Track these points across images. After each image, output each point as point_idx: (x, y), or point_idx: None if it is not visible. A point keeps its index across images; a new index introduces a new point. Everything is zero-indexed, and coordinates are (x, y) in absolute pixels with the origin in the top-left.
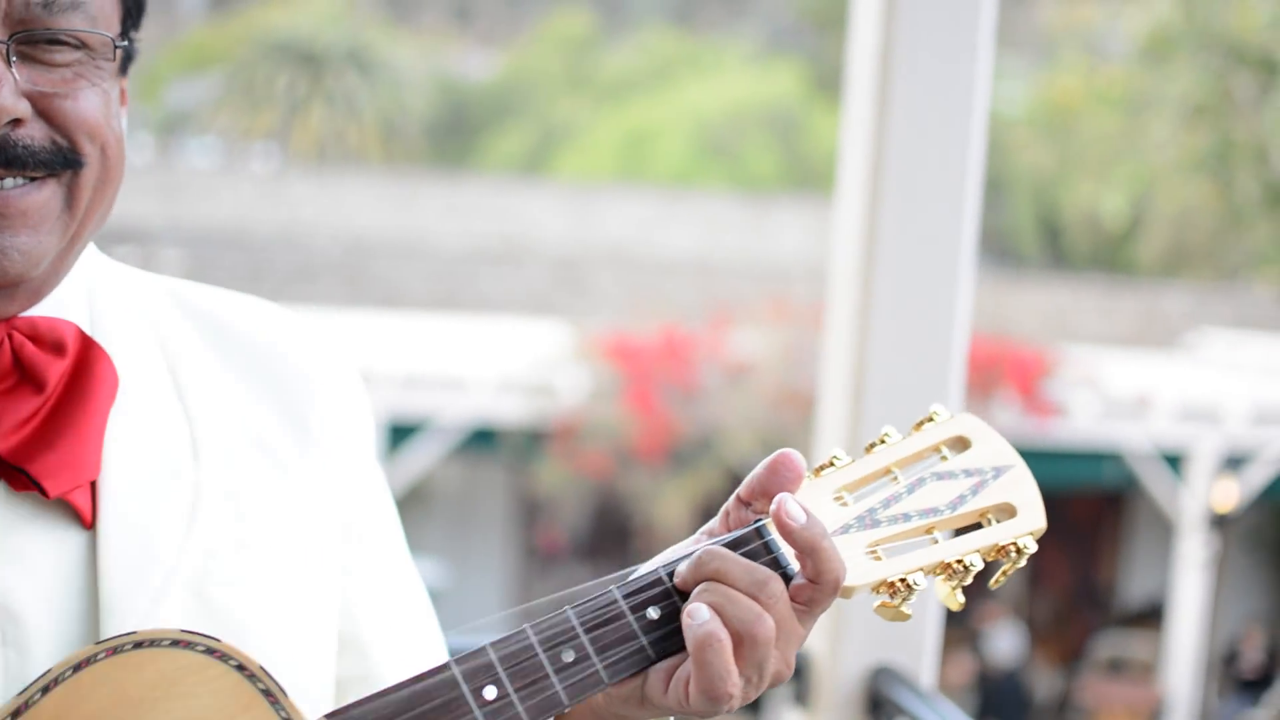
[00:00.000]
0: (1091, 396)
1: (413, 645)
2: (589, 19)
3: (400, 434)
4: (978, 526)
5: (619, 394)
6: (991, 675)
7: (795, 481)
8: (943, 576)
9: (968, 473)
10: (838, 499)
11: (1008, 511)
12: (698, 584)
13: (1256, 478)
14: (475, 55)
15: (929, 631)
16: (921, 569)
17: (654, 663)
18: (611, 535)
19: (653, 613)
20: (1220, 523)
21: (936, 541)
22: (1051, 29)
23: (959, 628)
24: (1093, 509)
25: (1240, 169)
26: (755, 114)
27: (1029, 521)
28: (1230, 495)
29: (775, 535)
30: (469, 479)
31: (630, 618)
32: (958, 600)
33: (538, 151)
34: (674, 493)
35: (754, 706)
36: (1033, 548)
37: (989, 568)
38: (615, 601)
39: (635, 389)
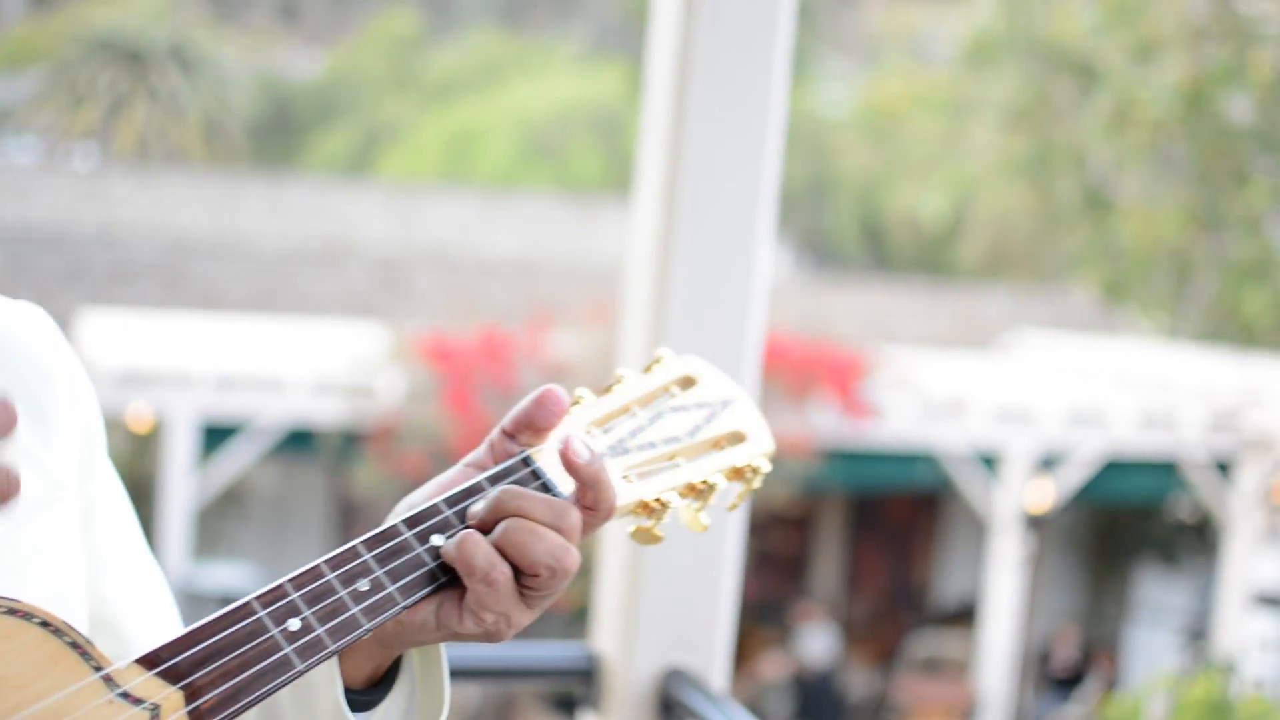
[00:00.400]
0: (908, 398)
1: (162, 623)
2: (416, 19)
3: (216, 436)
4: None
5: (437, 395)
6: (806, 675)
7: (559, 415)
8: (689, 499)
9: (699, 405)
10: (587, 433)
11: (739, 438)
12: (497, 522)
13: (1071, 478)
14: (301, 54)
15: (720, 634)
16: (673, 489)
17: (444, 585)
18: None
19: (437, 539)
20: (1035, 523)
21: (679, 466)
22: (877, 33)
23: (775, 627)
24: (909, 510)
25: (1059, 173)
26: (581, 115)
27: (760, 444)
28: (1045, 496)
29: (540, 464)
30: (286, 481)
31: (418, 547)
32: (701, 523)
33: (362, 152)
34: None
35: (569, 709)
36: (767, 468)
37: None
38: (401, 534)
39: (453, 390)
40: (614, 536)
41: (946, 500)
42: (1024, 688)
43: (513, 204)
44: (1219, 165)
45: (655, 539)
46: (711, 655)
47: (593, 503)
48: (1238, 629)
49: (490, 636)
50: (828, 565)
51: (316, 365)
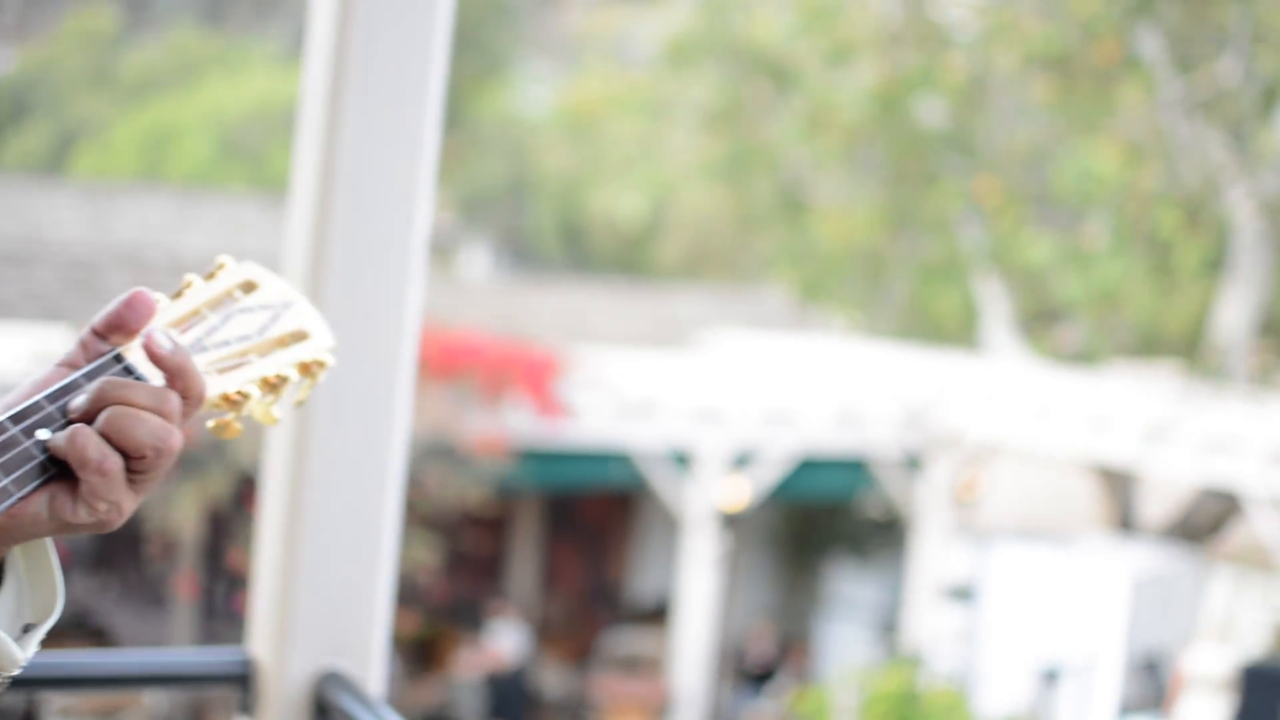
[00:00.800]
0: (603, 397)
1: None
2: (113, 16)
3: None
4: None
5: None
6: (499, 673)
7: (148, 317)
8: (265, 393)
9: (263, 307)
10: (167, 335)
11: (303, 336)
12: (99, 412)
13: (765, 476)
14: None
15: (376, 638)
16: (251, 381)
17: (54, 476)
18: (122, 543)
19: (43, 434)
20: (729, 521)
21: (253, 362)
22: (579, 34)
23: (471, 627)
24: (604, 509)
25: (755, 175)
26: (278, 114)
27: (321, 340)
28: (739, 494)
29: (131, 360)
30: None
31: (26, 442)
32: (273, 416)
33: (57, 150)
34: (185, 498)
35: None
36: (331, 361)
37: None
38: (8, 430)
39: None
40: (268, 540)
41: (642, 499)
42: (719, 684)
43: (209, 204)
44: (911, 168)
45: (235, 432)
46: (368, 659)
47: (183, 390)
48: (927, 622)
49: (102, 526)
50: (524, 565)
51: (3, 368)
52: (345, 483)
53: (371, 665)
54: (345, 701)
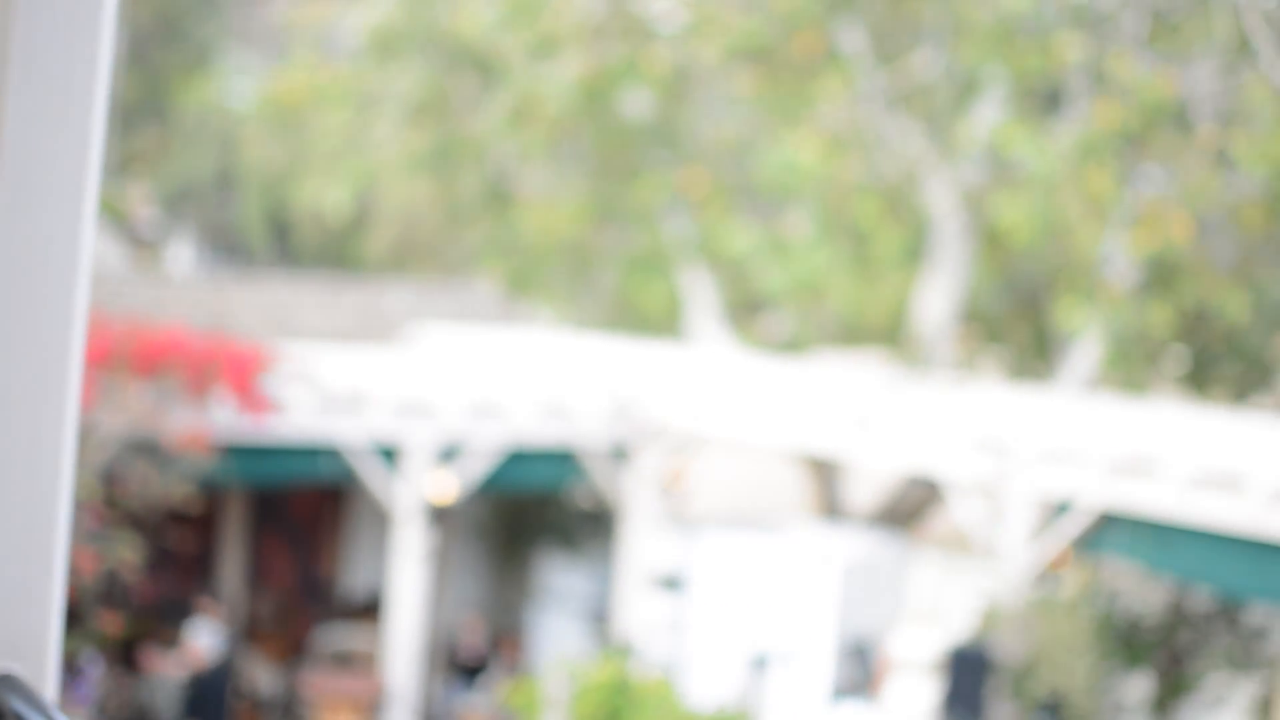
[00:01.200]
0: (310, 392)
1: None
2: None
3: None
4: None
5: None
6: (200, 672)
7: None
8: None
9: None
10: None
11: None
12: None
13: (473, 469)
14: None
15: (51, 641)
16: None
17: None
18: None
19: None
20: (439, 514)
21: None
22: (284, 25)
23: (177, 626)
24: (313, 504)
25: (461, 168)
26: None
27: None
28: (448, 487)
29: None
30: None
31: None
32: None
33: None
34: None
35: None
36: None
37: None
38: None
39: None
40: None
41: (351, 494)
42: (432, 678)
43: None
44: (616, 159)
45: None
46: (43, 662)
47: None
48: (637, 612)
49: None
50: (232, 562)
51: None
52: (15, 483)
53: (47, 668)
54: (18, 706)
